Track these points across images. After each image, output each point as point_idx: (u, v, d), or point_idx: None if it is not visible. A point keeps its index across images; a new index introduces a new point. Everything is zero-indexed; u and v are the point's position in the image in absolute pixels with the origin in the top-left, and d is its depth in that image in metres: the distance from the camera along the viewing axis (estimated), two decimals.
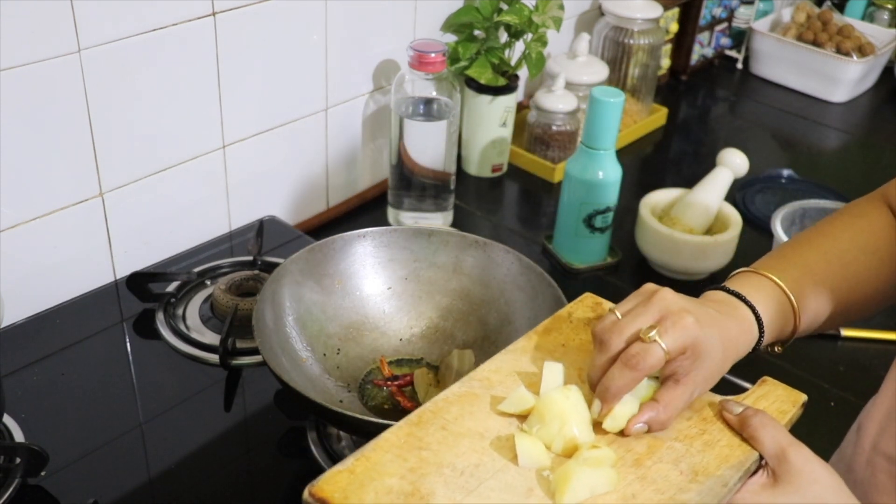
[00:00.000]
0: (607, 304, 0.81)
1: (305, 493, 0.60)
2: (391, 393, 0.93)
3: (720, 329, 0.69)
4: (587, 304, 0.82)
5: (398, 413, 0.89)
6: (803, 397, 0.72)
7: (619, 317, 0.68)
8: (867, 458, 0.75)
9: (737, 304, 0.73)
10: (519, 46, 1.43)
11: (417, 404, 0.88)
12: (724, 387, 0.72)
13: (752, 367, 0.80)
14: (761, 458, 0.66)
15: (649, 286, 0.70)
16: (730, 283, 0.75)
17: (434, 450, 0.65)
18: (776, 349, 0.78)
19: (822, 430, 1.03)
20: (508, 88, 1.42)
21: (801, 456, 0.64)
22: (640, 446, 0.67)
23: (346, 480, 0.62)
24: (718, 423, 0.69)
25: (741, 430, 0.67)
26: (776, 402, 0.72)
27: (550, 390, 0.68)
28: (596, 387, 0.67)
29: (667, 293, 0.68)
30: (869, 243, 0.79)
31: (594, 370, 0.68)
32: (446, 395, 0.71)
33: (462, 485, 0.62)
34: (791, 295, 0.75)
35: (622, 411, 0.67)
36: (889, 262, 0.78)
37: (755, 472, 0.66)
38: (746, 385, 0.74)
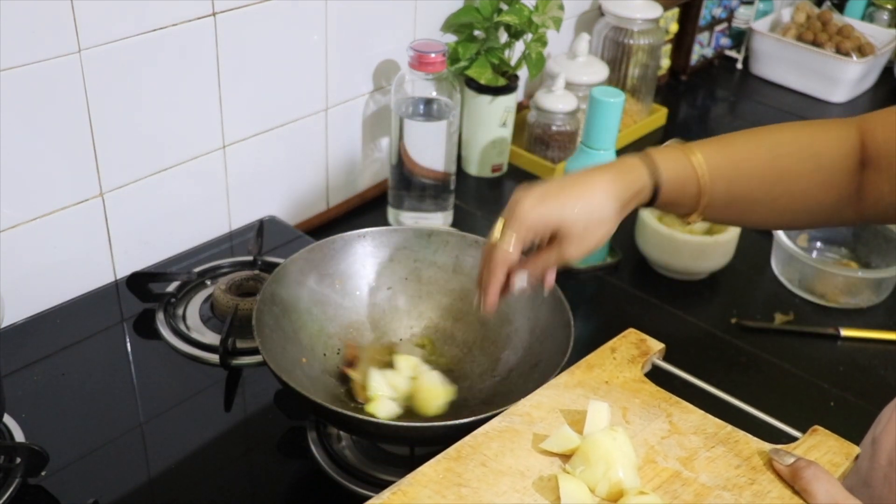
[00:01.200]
0: (651, 342, 0.82)
1: None
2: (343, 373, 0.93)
3: (577, 190, 0.77)
4: (631, 340, 0.82)
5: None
6: (856, 450, 0.71)
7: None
8: (884, 473, 0.74)
9: (627, 158, 0.80)
10: (519, 46, 1.43)
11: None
12: (772, 434, 0.71)
13: (753, 365, 0.79)
14: None
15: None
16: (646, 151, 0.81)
17: (474, 487, 0.64)
18: (689, 221, 0.82)
19: None
20: (508, 88, 1.42)
21: None
22: (687, 494, 0.65)
23: None
24: (768, 474, 0.68)
25: (793, 482, 0.66)
26: (828, 453, 0.70)
27: (596, 431, 0.67)
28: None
29: (516, 193, 0.78)
30: (812, 146, 0.80)
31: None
32: (486, 429, 0.70)
33: None
34: (695, 162, 0.78)
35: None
36: (829, 169, 0.78)
37: None
38: (796, 434, 0.73)
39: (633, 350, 0.81)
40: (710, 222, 0.99)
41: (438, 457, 0.67)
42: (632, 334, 0.83)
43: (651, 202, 0.81)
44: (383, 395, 0.89)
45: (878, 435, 0.77)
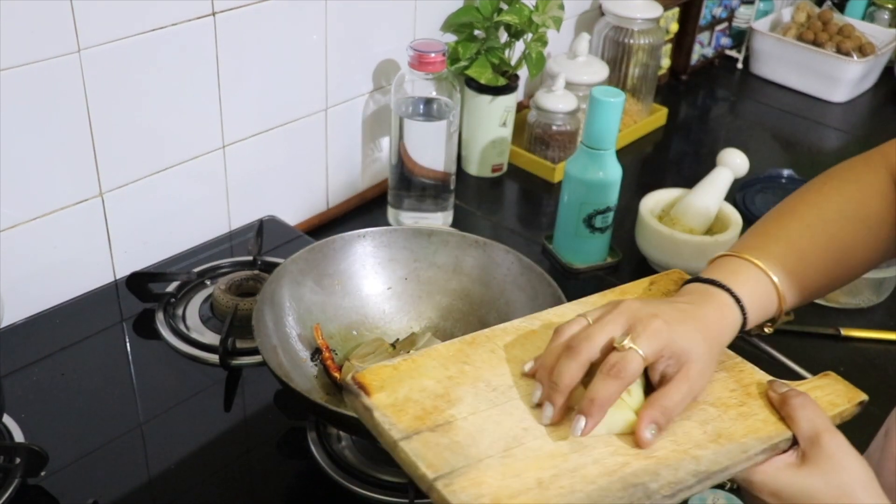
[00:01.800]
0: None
1: (349, 377, 0.65)
2: (322, 359, 0.93)
3: (694, 321, 0.68)
4: (672, 278, 0.81)
5: None
6: (862, 396, 0.70)
7: (590, 322, 0.67)
8: None
9: (713, 292, 0.72)
10: (519, 46, 1.43)
11: (340, 367, 0.92)
12: (784, 374, 0.72)
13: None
14: (795, 441, 0.65)
15: (613, 300, 0.69)
16: (707, 271, 0.75)
17: (476, 366, 0.69)
18: (765, 330, 0.78)
19: None
20: (508, 88, 1.42)
21: (835, 442, 0.63)
22: None
23: (387, 374, 0.67)
24: (760, 401, 0.69)
25: (780, 408, 0.66)
26: (831, 395, 0.70)
27: None
28: (543, 382, 0.65)
29: (632, 301, 0.68)
30: (858, 212, 0.77)
31: (547, 369, 0.65)
32: (505, 326, 0.74)
33: (490, 398, 0.66)
34: (773, 276, 0.74)
35: (613, 418, 0.65)
36: (878, 230, 0.77)
37: (785, 451, 0.65)
38: (808, 375, 0.72)
39: (671, 286, 0.80)
40: None
41: (455, 339, 0.72)
42: (675, 273, 0.82)
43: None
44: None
45: (891, 425, 0.77)
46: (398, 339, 0.98)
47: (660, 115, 1.69)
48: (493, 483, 0.60)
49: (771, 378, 0.71)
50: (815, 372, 1.12)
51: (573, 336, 0.66)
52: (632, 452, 0.64)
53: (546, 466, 0.62)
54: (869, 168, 0.79)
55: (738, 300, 0.72)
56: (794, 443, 0.65)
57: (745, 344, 0.75)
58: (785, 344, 1.17)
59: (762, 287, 0.74)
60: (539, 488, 0.60)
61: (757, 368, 0.73)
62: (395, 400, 0.64)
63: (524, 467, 0.62)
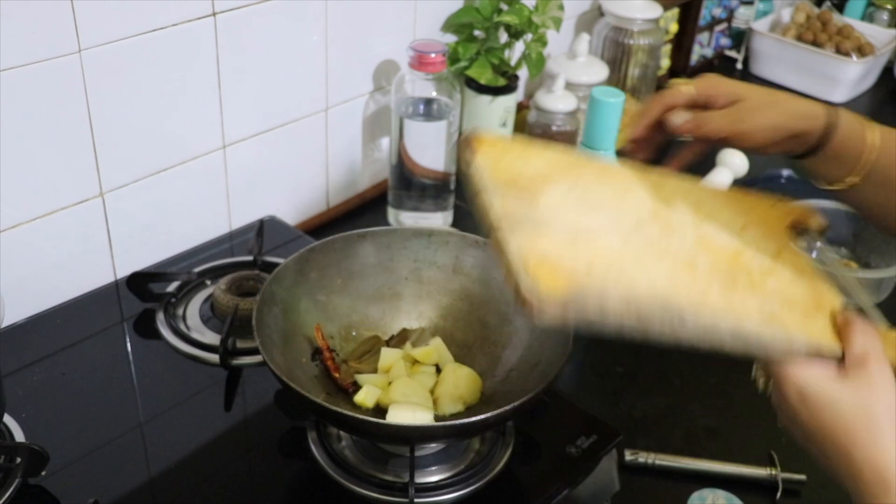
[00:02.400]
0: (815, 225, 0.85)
1: (466, 135, 0.71)
2: (322, 359, 0.93)
3: (767, 90, 0.80)
4: (804, 213, 0.84)
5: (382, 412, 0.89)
6: None
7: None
8: None
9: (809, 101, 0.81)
10: (519, 47, 1.43)
11: (338, 366, 0.93)
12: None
13: None
14: (843, 361, 0.65)
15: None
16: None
17: (583, 174, 0.75)
18: (840, 184, 0.81)
19: None
20: (508, 88, 1.42)
21: (880, 370, 0.63)
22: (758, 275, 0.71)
23: (501, 142, 0.73)
24: (827, 317, 0.69)
25: (842, 326, 0.67)
26: None
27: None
28: None
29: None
30: None
31: None
32: (616, 165, 0.83)
33: (580, 199, 0.71)
34: (868, 126, 0.79)
35: None
36: None
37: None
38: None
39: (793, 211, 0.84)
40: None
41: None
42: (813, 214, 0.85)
43: (814, 148, 0.80)
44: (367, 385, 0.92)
45: None
46: (393, 336, 0.98)
47: None
48: (549, 248, 0.63)
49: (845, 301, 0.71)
50: None
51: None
52: (689, 283, 0.66)
53: (602, 256, 0.64)
54: None
55: (829, 111, 0.79)
56: (841, 360, 0.65)
57: None
58: None
59: (855, 125, 0.80)
60: (588, 269, 0.62)
61: (840, 297, 0.73)
62: (496, 161, 0.70)
63: (584, 253, 0.64)
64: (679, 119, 0.79)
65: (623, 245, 0.68)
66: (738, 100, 0.78)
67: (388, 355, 0.94)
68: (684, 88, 0.78)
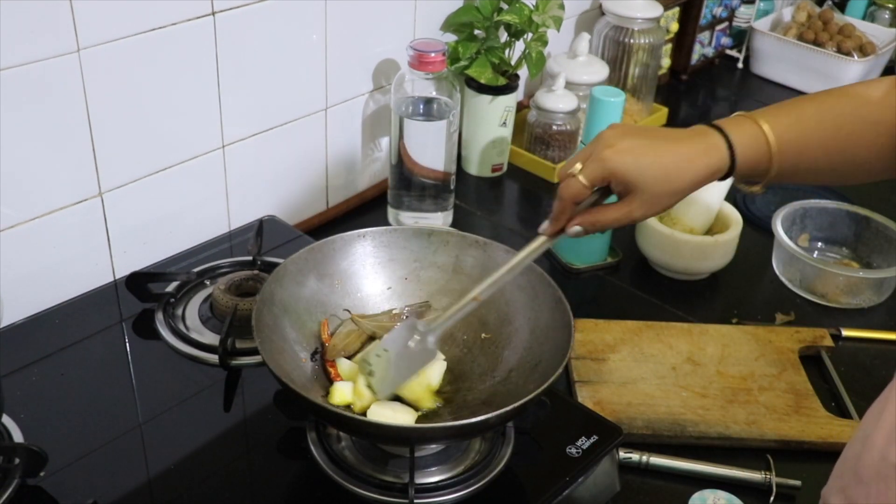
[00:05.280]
0: (825, 342, 1.17)
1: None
2: (322, 354, 0.93)
3: (662, 155, 0.79)
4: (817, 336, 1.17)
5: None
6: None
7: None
8: (877, 469, 0.73)
9: (708, 132, 0.81)
10: (519, 46, 1.43)
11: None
12: None
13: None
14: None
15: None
16: (717, 121, 0.82)
17: (641, 342, 1.14)
18: (756, 188, 0.84)
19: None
20: (508, 88, 1.42)
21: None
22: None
23: (590, 325, 1.17)
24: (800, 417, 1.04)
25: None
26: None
27: None
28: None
29: (607, 131, 0.80)
30: (872, 114, 0.81)
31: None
32: (672, 324, 1.17)
33: (638, 360, 1.11)
34: (770, 135, 0.80)
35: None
36: (886, 138, 0.80)
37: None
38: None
39: (809, 336, 1.16)
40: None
41: (638, 322, 1.17)
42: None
43: (722, 177, 0.83)
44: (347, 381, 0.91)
45: (869, 431, 0.76)
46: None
47: (660, 115, 1.69)
48: (604, 395, 1.05)
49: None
50: (816, 371, 1.12)
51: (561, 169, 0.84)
52: (697, 405, 1.04)
53: (638, 396, 1.05)
54: (892, 83, 0.83)
55: (729, 144, 0.80)
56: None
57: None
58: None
59: (758, 143, 0.80)
60: (627, 405, 1.04)
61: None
62: (583, 337, 1.13)
63: (627, 396, 1.05)
64: (576, 228, 0.82)
65: (655, 387, 1.06)
66: (631, 191, 0.80)
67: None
68: (583, 179, 0.80)
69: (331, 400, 0.88)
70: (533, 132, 1.49)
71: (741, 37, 1.95)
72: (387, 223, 1.33)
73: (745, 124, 0.82)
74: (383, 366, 0.88)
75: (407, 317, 0.99)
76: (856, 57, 1.78)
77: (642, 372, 1.09)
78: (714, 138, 0.81)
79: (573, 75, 1.49)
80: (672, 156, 0.80)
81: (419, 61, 1.21)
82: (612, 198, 0.83)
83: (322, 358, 0.93)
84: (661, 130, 0.85)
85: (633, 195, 0.80)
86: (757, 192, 0.85)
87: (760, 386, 1.07)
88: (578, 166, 0.80)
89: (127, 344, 1.04)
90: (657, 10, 1.58)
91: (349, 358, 0.94)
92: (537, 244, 0.84)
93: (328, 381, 0.92)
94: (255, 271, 1.11)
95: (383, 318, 0.98)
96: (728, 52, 1.96)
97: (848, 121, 0.82)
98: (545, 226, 0.84)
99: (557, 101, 1.44)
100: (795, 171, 0.83)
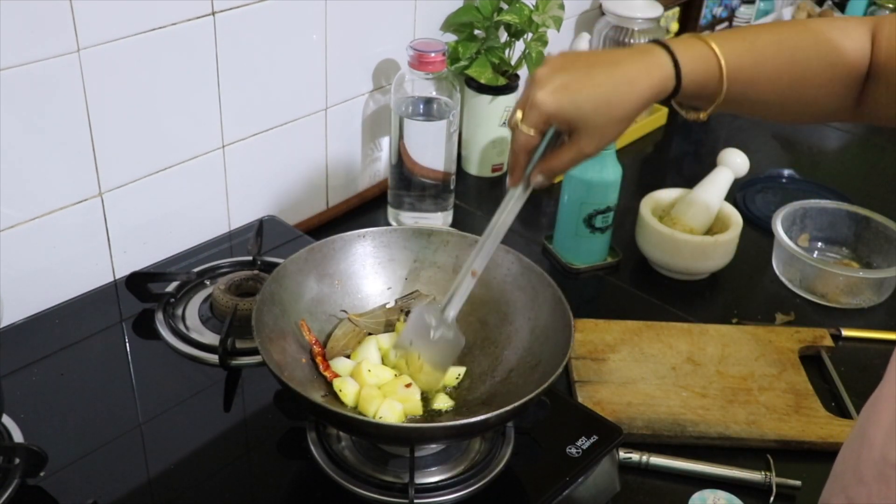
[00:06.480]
0: (825, 343, 1.17)
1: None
2: (312, 354, 0.93)
3: (600, 84, 0.75)
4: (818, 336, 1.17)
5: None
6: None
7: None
8: (878, 469, 0.73)
9: (652, 50, 0.77)
10: (519, 46, 1.43)
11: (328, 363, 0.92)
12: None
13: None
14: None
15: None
16: (668, 40, 0.80)
17: (641, 341, 1.15)
18: (700, 116, 0.81)
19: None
20: (508, 88, 1.42)
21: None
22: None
23: (590, 325, 1.17)
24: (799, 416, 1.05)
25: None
26: None
27: None
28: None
29: (540, 70, 0.77)
30: (830, 53, 0.80)
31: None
32: (673, 324, 1.18)
33: (638, 360, 1.11)
34: (721, 58, 0.77)
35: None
36: (841, 77, 0.80)
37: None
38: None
39: (809, 336, 1.16)
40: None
41: (638, 322, 1.16)
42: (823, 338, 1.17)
43: (666, 100, 0.80)
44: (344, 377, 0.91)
45: (867, 429, 0.76)
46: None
47: (660, 115, 1.69)
48: (604, 395, 1.05)
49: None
50: (816, 371, 1.12)
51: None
52: (697, 405, 1.05)
53: (638, 396, 1.05)
54: (859, 26, 0.82)
55: (675, 61, 0.76)
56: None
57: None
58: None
59: (707, 63, 0.77)
60: (627, 405, 1.04)
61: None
62: (583, 337, 1.13)
63: (627, 396, 1.05)
64: (538, 178, 0.81)
65: (655, 387, 1.06)
66: (575, 128, 0.77)
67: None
68: (525, 129, 0.77)
69: (343, 398, 0.89)
70: None
71: None
72: (387, 223, 1.33)
73: (694, 43, 0.78)
74: (416, 364, 0.90)
75: (402, 310, 0.98)
76: None
77: (642, 372, 1.09)
78: (658, 56, 0.77)
79: None
80: (610, 82, 0.76)
81: (419, 61, 1.21)
82: None
83: (313, 356, 0.93)
84: (599, 54, 0.82)
85: (579, 132, 0.77)
86: (701, 118, 0.82)
87: (760, 386, 1.07)
88: (519, 114, 0.77)
89: (127, 344, 1.04)
90: (657, 10, 1.58)
91: (348, 357, 0.94)
92: (511, 201, 0.83)
93: (326, 381, 0.92)
94: (255, 271, 1.11)
95: (378, 313, 0.98)
96: None
97: (804, 56, 0.80)
98: (508, 180, 0.82)
99: None
100: (744, 99, 0.80)
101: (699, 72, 0.77)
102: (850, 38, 0.80)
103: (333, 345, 0.94)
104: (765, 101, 0.82)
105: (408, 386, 0.89)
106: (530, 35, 1.40)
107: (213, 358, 0.99)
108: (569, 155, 0.79)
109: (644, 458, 0.97)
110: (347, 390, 0.89)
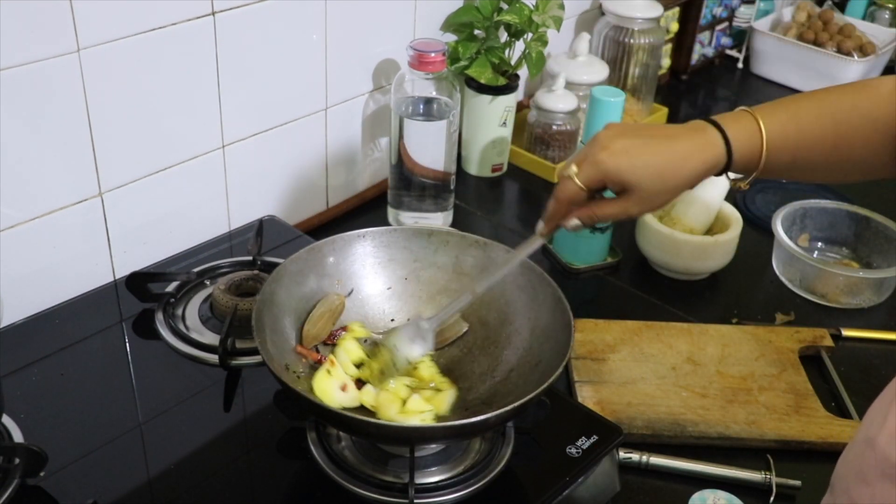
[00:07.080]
0: (825, 342, 1.18)
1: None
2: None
3: (657, 154, 0.80)
4: (818, 335, 1.18)
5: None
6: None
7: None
8: (882, 470, 0.73)
9: (705, 128, 0.82)
10: (519, 46, 1.43)
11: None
12: None
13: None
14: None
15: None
16: (716, 115, 0.84)
17: (641, 341, 1.14)
18: (742, 185, 0.85)
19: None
20: (508, 88, 1.42)
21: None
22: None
23: (590, 325, 1.17)
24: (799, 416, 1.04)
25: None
26: None
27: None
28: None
29: (602, 133, 0.81)
30: (871, 111, 0.81)
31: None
32: (673, 324, 1.18)
33: (638, 360, 1.12)
34: (763, 128, 0.81)
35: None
36: (884, 133, 0.81)
37: None
38: None
39: (809, 336, 1.16)
40: None
41: (639, 322, 1.17)
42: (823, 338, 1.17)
43: (717, 174, 0.84)
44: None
45: (874, 433, 0.76)
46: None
47: (660, 115, 1.69)
48: (604, 395, 1.05)
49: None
50: (816, 371, 1.12)
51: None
52: (697, 405, 1.05)
53: (638, 396, 1.05)
54: (891, 81, 0.83)
55: (726, 140, 0.81)
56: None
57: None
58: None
59: (753, 139, 0.81)
60: (627, 405, 1.04)
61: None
62: (583, 336, 1.13)
63: (627, 396, 1.05)
64: (574, 221, 0.84)
65: (655, 387, 1.07)
66: (627, 190, 0.81)
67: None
68: (579, 182, 0.81)
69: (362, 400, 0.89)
70: (533, 132, 1.49)
71: (741, 37, 1.95)
72: (387, 223, 1.33)
73: (743, 119, 0.82)
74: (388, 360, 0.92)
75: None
76: (856, 57, 1.78)
77: (642, 372, 1.09)
78: (711, 135, 0.81)
79: (573, 75, 1.49)
80: (667, 154, 0.80)
81: (419, 61, 1.21)
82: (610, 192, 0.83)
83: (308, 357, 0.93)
84: (657, 128, 0.85)
85: (630, 193, 0.81)
86: (742, 188, 0.86)
87: (760, 386, 1.08)
88: (574, 169, 0.81)
89: (127, 344, 1.04)
90: (657, 10, 1.58)
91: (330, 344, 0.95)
92: (534, 244, 0.87)
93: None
94: (255, 271, 1.11)
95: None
96: (728, 52, 1.96)
97: (846, 116, 0.82)
98: (541, 226, 0.86)
99: (557, 101, 1.44)
100: (792, 166, 0.83)
101: (746, 149, 0.82)
102: (888, 94, 0.82)
103: (308, 329, 0.94)
104: (812, 166, 0.84)
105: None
106: (530, 35, 1.40)
107: (213, 358, 0.99)
108: (613, 210, 0.83)
109: (644, 458, 0.97)
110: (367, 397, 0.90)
